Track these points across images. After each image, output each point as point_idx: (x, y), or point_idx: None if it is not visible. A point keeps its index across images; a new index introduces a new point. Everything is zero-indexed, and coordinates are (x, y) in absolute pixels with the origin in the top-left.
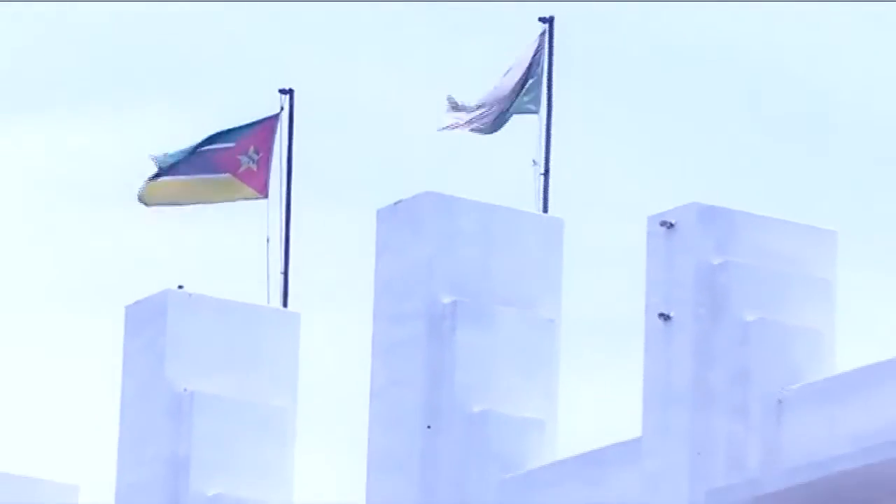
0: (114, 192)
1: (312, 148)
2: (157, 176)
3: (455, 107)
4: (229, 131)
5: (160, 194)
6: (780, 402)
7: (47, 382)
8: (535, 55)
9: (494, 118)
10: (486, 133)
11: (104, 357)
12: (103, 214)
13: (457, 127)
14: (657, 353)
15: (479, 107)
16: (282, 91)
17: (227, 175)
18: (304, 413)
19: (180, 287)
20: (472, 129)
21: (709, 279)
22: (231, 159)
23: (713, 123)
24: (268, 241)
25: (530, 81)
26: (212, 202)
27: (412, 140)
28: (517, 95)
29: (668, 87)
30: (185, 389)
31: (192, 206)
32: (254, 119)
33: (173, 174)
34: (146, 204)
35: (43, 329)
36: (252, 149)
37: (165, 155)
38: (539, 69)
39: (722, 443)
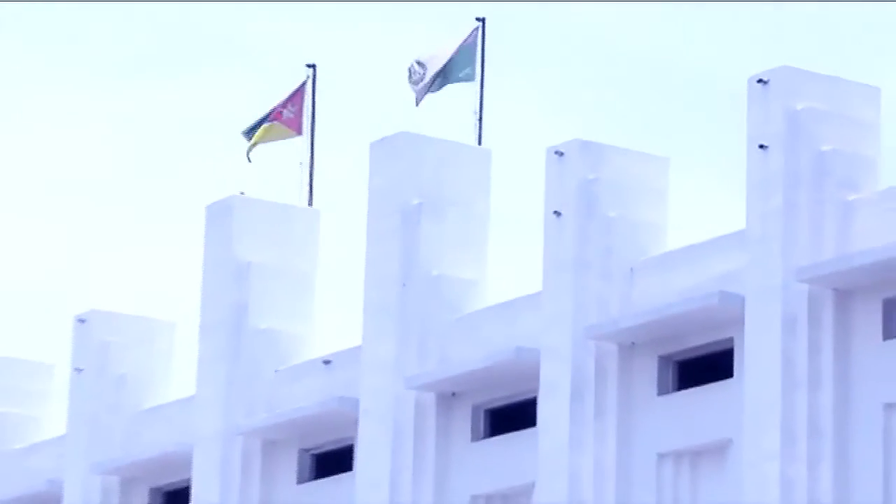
0: (195, 133)
1: (328, 102)
2: (248, 133)
3: (415, 81)
4: (285, 101)
5: (257, 143)
6: (632, 269)
7: (160, 254)
8: (463, 42)
9: (430, 85)
10: (430, 91)
11: (193, 239)
12: (192, 148)
13: (422, 97)
14: (552, 237)
15: (421, 80)
16: (308, 65)
17: (276, 122)
18: (321, 276)
19: (242, 193)
20: (423, 95)
21: (586, 189)
22: (278, 114)
23: (590, 82)
24: (301, 164)
25: (465, 60)
26: (271, 140)
27: (393, 96)
28: (447, 70)
29: (560, 63)
30: (246, 261)
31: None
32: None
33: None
34: (248, 152)
35: (160, 218)
36: (290, 105)
37: (248, 127)
38: (475, 50)
39: (594, 297)
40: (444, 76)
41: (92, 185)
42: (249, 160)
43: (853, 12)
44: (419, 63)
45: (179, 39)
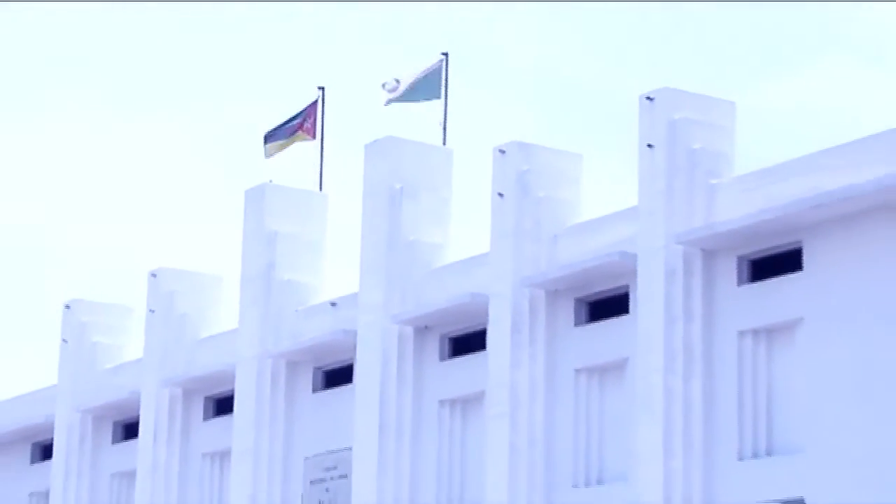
0: (236, 136)
1: (334, 115)
2: (266, 139)
3: (388, 90)
4: (298, 114)
5: (273, 151)
6: (555, 235)
7: (211, 226)
8: (429, 69)
9: (400, 96)
10: (397, 101)
11: (236, 214)
12: (233, 148)
13: (389, 102)
14: (497, 212)
15: (394, 90)
16: (319, 87)
17: (299, 132)
18: (329, 242)
19: (271, 181)
20: (390, 101)
21: (522, 177)
22: (300, 125)
23: (525, 98)
24: (314, 160)
25: (434, 83)
26: (292, 144)
27: (379, 110)
28: (418, 87)
29: (504, 83)
30: (274, 230)
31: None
32: (306, 104)
33: (276, 140)
34: (266, 157)
35: (212, 200)
36: (307, 117)
37: (268, 130)
38: (440, 75)
39: (528, 256)
40: (415, 93)
41: (163, 176)
42: (266, 157)
43: (715, 44)
44: (396, 80)
45: (229, 68)
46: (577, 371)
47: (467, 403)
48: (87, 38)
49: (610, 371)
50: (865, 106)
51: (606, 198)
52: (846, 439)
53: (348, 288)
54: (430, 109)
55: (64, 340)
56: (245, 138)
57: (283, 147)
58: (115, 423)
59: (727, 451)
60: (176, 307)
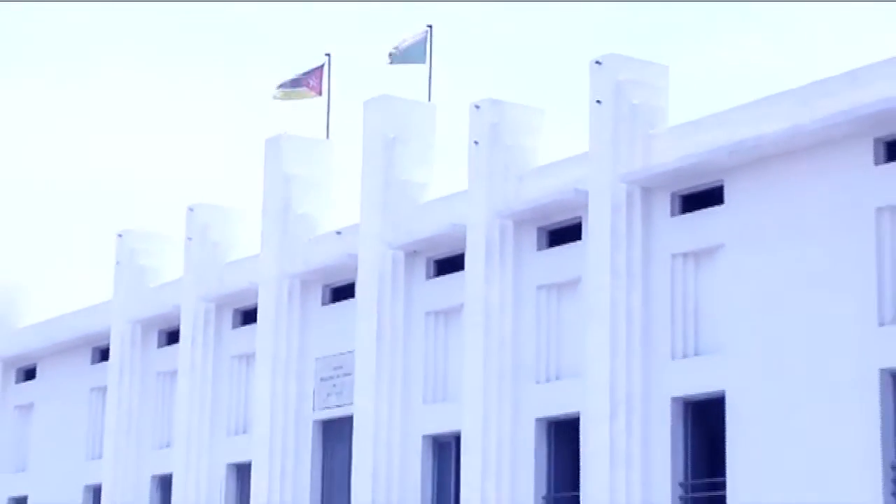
0: (256, 94)
1: (339, 76)
2: (279, 87)
3: (390, 56)
4: (308, 71)
5: (280, 97)
6: (521, 176)
7: (241, 170)
8: (416, 37)
9: (394, 60)
10: (394, 63)
11: (257, 158)
12: (246, 105)
13: (393, 62)
14: (473, 157)
15: (390, 56)
16: (326, 53)
17: (305, 88)
18: (336, 182)
19: (286, 132)
20: (393, 62)
21: (494, 128)
22: (307, 82)
23: (497, 61)
24: (321, 114)
25: (419, 49)
26: (300, 98)
27: (376, 72)
28: (407, 52)
29: (478, 49)
30: (290, 173)
31: (297, 101)
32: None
33: (284, 88)
34: (273, 98)
35: (238, 150)
36: (314, 77)
37: (283, 82)
38: (426, 43)
39: (499, 193)
40: (405, 58)
41: (198, 128)
42: (273, 99)
43: (653, 16)
44: (394, 48)
45: (253, 39)
46: (539, 287)
47: (449, 315)
48: (137, 2)
49: (566, 287)
50: (773, 68)
51: (563, 145)
52: (759, 342)
53: (351, 219)
54: (417, 72)
55: (117, 263)
56: (268, 96)
57: (288, 96)
58: (160, 332)
59: (662, 352)
60: (209, 236)
